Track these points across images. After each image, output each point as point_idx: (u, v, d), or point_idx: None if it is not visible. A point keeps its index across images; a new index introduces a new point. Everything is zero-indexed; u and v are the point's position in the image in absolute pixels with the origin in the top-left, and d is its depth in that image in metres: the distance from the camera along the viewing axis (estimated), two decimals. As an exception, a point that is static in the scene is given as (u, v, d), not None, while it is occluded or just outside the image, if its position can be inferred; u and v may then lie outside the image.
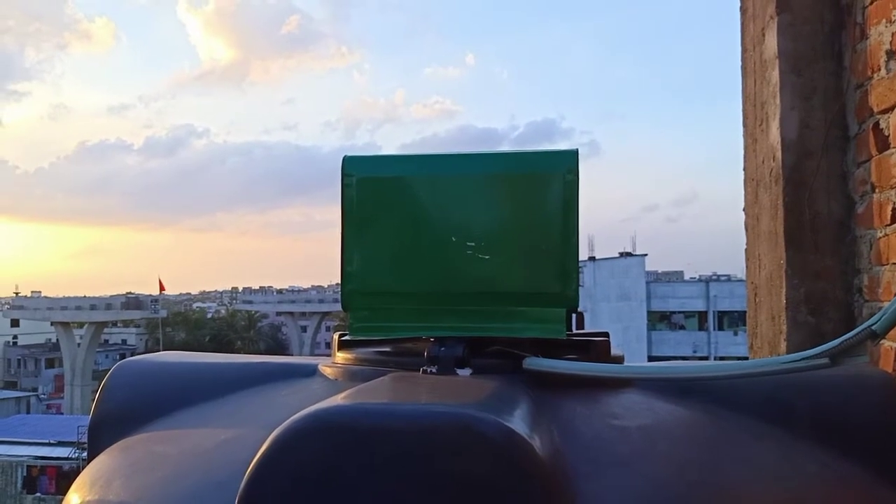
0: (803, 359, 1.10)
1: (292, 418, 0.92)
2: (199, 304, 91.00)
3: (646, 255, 44.00)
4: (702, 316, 43.55)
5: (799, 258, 2.04)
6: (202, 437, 1.27)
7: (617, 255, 44.37)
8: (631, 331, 40.73)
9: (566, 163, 1.33)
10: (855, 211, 2.03)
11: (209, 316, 73.11)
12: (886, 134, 1.86)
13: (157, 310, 53.75)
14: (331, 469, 0.90)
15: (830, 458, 1.20)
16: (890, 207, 1.84)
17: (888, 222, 1.85)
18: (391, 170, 1.40)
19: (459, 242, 1.34)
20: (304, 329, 65.44)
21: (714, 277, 48.10)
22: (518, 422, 0.96)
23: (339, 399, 1.02)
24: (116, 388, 1.49)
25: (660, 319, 44.68)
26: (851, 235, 2.04)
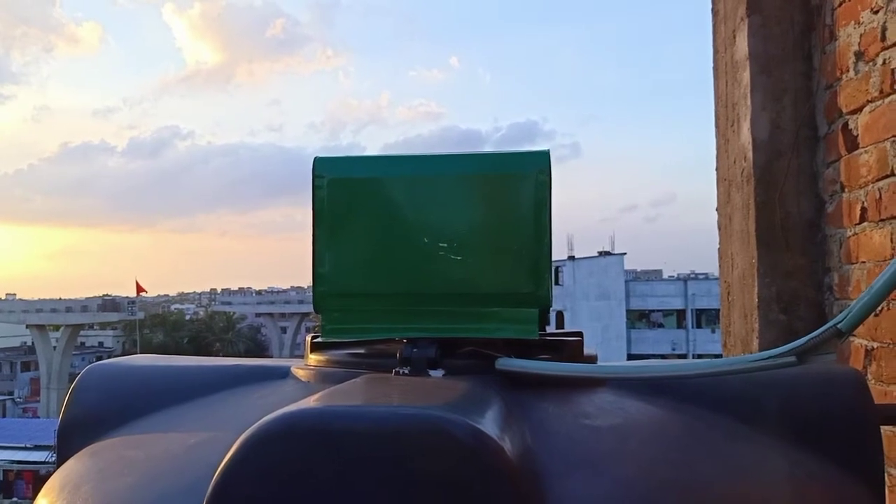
0: (770, 357, 1.11)
1: (261, 421, 0.92)
2: (178, 306, 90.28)
3: (625, 253, 44.33)
4: (680, 314, 43.94)
5: (770, 257, 2.06)
6: (172, 441, 1.26)
7: (596, 254, 44.62)
8: (610, 329, 40.98)
9: (538, 163, 1.34)
10: (825, 210, 2.06)
11: (187, 318, 72.48)
12: (855, 134, 1.89)
13: (135, 311, 53.22)
14: (299, 472, 0.89)
15: (800, 455, 1.22)
16: (859, 207, 1.87)
17: (857, 221, 1.88)
18: (362, 171, 1.39)
19: (431, 243, 1.34)
20: (283, 330, 65.14)
21: (692, 276, 48.49)
22: (488, 422, 0.96)
23: (309, 402, 1.01)
24: (86, 391, 1.47)
25: (639, 318, 45.01)
26: (822, 234, 2.07)
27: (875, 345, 1.82)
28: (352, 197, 1.37)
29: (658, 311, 45.03)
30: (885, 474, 1.73)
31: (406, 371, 1.27)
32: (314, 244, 1.37)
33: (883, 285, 1.05)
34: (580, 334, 1.49)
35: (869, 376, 1.84)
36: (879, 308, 1.78)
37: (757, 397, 1.28)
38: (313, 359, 1.44)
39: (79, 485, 1.20)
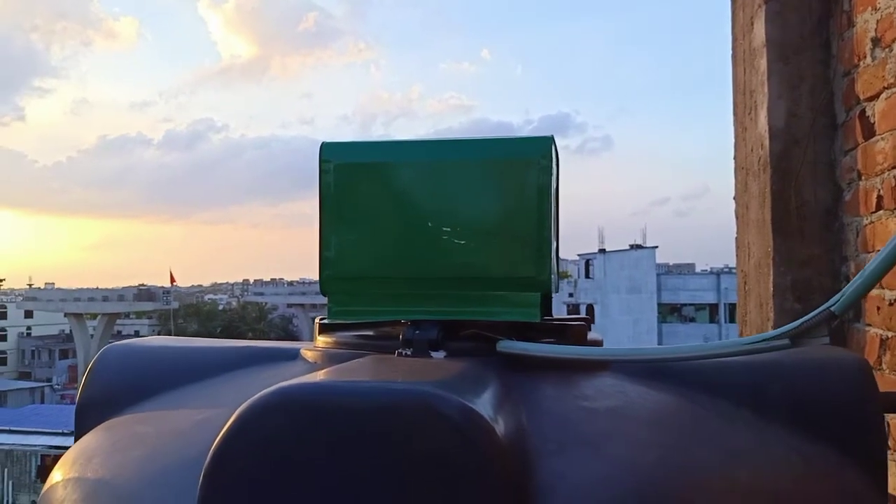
0: (765, 339, 1.12)
1: (257, 395, 0.95)
2: (211, 296, 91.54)
3: (656, 247, 43.87)
4: (712, 308, 43.41)
5: (786, 246, 2.05)
6: (181, 418, 1.30)
7: (628, 247, 44.24)
8: (641, 323, 40.66)
9: (541, 149, 1.35)
10: (842, 199, 2.04)
11: (220, 308, 73.50)
12: (872, 121, 1.86)
13: (169, 301, 54.11)
14: (293, 444, 0.92)
15: (800, 440, 1.22)
16: (875, 195, 1.85)
17: (874, 210, 1.86)
18: (368, 156, 1.42)
19: (435, 228, 1.36)
20: (314, 321, 65.60)
21: (726, 270, 47.87)
22: (480, 401, 0.98)
23: (306, 378, 1.04)
24: (102, 371, 1.52)
25: (670, 312, 44.57)
26: (839, 223, 2.04)
27: (890, 334, 1.80)
28: (357, 182, 1.39)
29: (690, 304, 44.55)
30: (892, 463, 1.72)
31: (408, 352, 1.30)
32: (321, 228, 1.40)
33: (875, 269, 1.04)
34: (587, 320, 1.50)
35: (883, 366, 1.82)
36: (894, 298, 1.76)
37: (758, 382, 1.28)
38: (321, 340, 1.47)
39: (91, 457, 1.24)
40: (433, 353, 1.29)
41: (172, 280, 51.09)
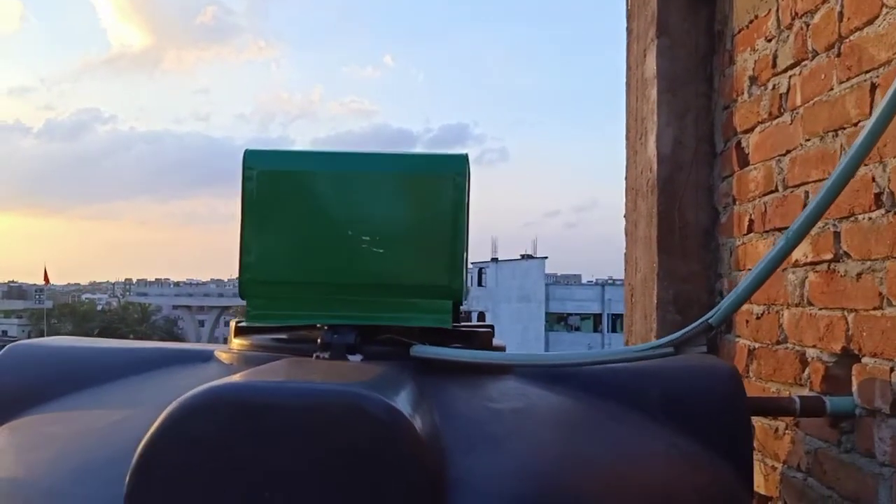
0: (652, 347, 1.25)
1: (185, 395, 0.98)
2: (89, 296, 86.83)
3: (546, 257, 45.16)
4: (596, 318, 45.08)
5: (669, 263, 2.23)
6: (94, 418, 1.30)
7: (519, 257, 45.34)
8: (530, 331, 41.65)
9: (456, 166, 1.44)
10: (719, 221, 2.24)
11: (99, 308, 69.77)
12: (747, 152, 2.07)
13: (43, 300, 50.94)
14: (222, 443, 0.96)
15: (678, 438, 1.36)
16: (747, 219, 2.05)
17: (746, 232, 2.06)
18: (291, 164, 1.47)
19: (355, 236, 1.42)
20: (201, 323, 63.55)
21: (610, 281, 49.87)
22: (400, 401, 1.05)
23: (231, 378, 1.08)
24: (4, 371, 1.49)
25: (557, 321, 45.96)
26: (715, 243, 2.25)
27: (756, 345, 2.00)
28: (280, 189, 1.44)
29: (576, 314, 46.14)
30: (760, 462, 1.91)
31: (326, 356, 1.36)
32: (242, 233, 1.43)
33: (747, 287, 1.20)
34: (491, 327, 1.60)
35: (750, 374, 2.02)
36: (761, 312, 1.97)
37: (644, 387, 1.42)
38: (237, 343, 1.50)
39: (-1, 458, 1.23)
40: (350, 357, 1.36)
41: (46, 280, 48.17)
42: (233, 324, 1.56)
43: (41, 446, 1.27)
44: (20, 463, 1.23)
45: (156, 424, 0.97)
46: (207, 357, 1.52)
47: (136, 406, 1.29)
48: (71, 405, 1.39)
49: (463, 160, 1.46)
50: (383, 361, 1.34)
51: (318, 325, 1.44)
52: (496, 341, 1.57)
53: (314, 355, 1.36)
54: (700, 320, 1.21)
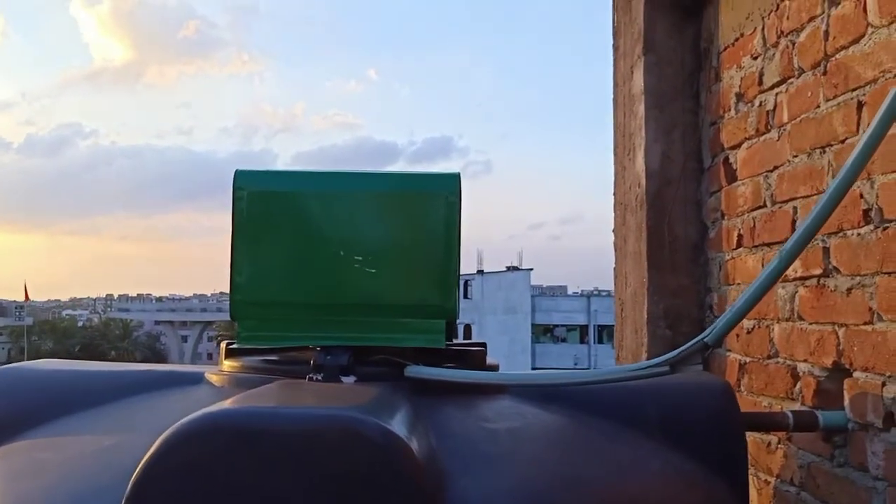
0: (648, 367, 1.25)
1: (181, 421, 0.97)
2: (70, 312, 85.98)
3: (531, 269, 45.26)
4: (583, 329, 45.17)
5: (659, 277, 2.24)
6: (86, 444, 1.28)
7: (504, 269, 45.40)
8: (516, 343, 41.65)
9: (448, 185, 1.44)
10: (708, 236, 2.26)
11: (80, 324, 69.03)
12: (735, 168, 2.09)
13: (23, 317, 50.36)
14: (218, 469, 0.95)
15: (673, 455, 1.36)
16: (736, 233, 2.07)
17: (735, 247, 2.08)
18: (282, 185, 1.46)
19: (347, 256, 1.42)
20: (184, 339, 63.07)
21: (595, 293, 50.04)
22: (396, 424, 1.04)
23: (226, 403, 1.07)
24: (-6, 395, 1.47)
25: (543, 332, 46.00)
26: (704, 258, 2.26)
27: (747, 360, 2.01)
28: (271, 209, 1.43)
29: (562, 325, 46.21)
30: (753, 477, 1.92)
31: (319, 377, 1.34)
32: (233, 254, 1.42)
33: (743, 304, 1.20)
34: (483, 345, 1.59)
35: (742, 388, 2.02)
36: (751, 327, 1.98)
37: (638, 404, 1.42)
38: (228, 365, 1.49)
39: (-12, 486, 1.21)
40: (344, 378, 1.35)
41: (27, 294, 47.63)
42: (223, 345, 1.54)
43: (34, 473, 1.24)
44: (13, 491, 1.21)
45: (151, 451, 0.96)
46: (198, 379, 1.50)
47: (129, 431, 1.27)
48: (63, 430, 1.37)
49: (455, 179, 1.46)
50: (377, 382, 1.33)
51: (311, 346, 1.43)
52: (489, 359, 1.57)
53: (307, 377, 1.35)
54: (696, 339, 1.22)
